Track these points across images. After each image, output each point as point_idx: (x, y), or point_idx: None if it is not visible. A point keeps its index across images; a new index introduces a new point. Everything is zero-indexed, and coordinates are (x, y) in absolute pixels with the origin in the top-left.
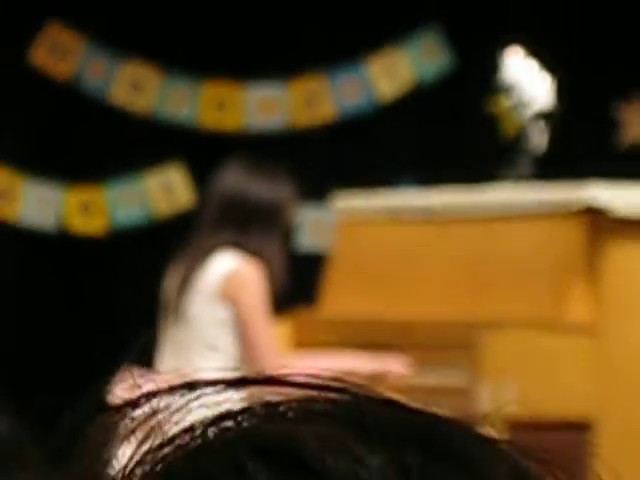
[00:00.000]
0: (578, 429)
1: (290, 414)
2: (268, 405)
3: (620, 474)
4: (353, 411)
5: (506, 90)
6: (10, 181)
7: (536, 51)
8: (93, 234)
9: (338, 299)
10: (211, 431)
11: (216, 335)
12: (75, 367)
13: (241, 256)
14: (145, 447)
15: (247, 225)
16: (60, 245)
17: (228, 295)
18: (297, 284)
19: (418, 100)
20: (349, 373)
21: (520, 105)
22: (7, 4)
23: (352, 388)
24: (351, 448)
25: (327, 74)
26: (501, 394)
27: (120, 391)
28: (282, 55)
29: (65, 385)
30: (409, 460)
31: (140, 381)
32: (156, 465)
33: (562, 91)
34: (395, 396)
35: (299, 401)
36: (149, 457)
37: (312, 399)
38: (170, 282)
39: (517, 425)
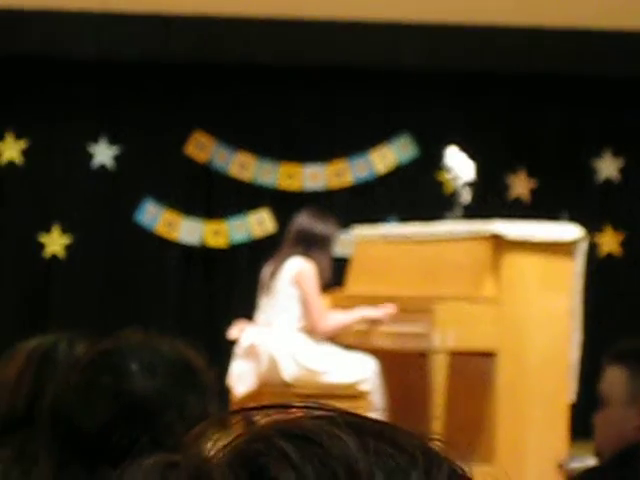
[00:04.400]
0: (487, 356)
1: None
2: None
3: (513, 384)
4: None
5: (447, 169)
6: (175, 217)
7: (464, 148)
8: (220, 247)
9: (355, 283)
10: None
11: (289, 303)
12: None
13: (304, 260)
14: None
15: (310, 245)
16: (202, 253)
17: (297, 281)
18: (334, 275)
19: (399, 174)
20: (364, 317)
21: (455, 177)
22: (175, 120)
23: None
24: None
25: (348, 159)
26: (445, 337)
27: (233, 331)
28: (323, 147)
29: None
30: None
31: (245, 325)
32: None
33: (477, 170)
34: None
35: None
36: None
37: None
38: (265, 271)
39: (455, 354)
